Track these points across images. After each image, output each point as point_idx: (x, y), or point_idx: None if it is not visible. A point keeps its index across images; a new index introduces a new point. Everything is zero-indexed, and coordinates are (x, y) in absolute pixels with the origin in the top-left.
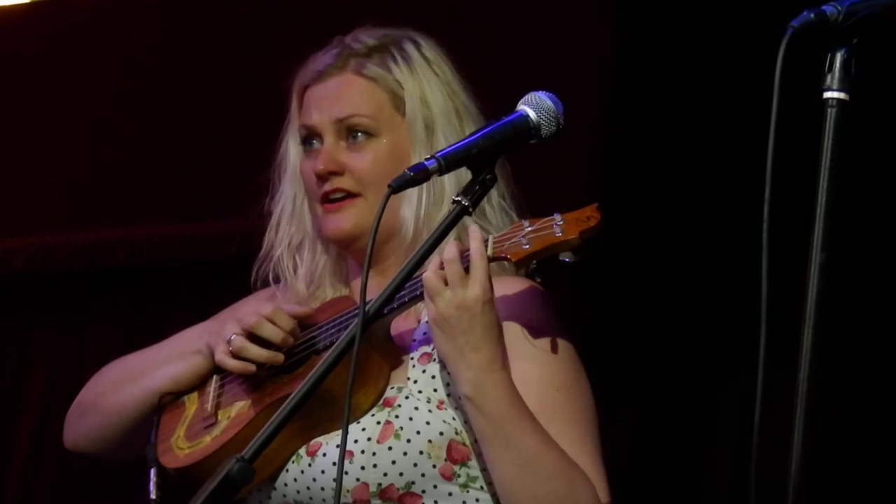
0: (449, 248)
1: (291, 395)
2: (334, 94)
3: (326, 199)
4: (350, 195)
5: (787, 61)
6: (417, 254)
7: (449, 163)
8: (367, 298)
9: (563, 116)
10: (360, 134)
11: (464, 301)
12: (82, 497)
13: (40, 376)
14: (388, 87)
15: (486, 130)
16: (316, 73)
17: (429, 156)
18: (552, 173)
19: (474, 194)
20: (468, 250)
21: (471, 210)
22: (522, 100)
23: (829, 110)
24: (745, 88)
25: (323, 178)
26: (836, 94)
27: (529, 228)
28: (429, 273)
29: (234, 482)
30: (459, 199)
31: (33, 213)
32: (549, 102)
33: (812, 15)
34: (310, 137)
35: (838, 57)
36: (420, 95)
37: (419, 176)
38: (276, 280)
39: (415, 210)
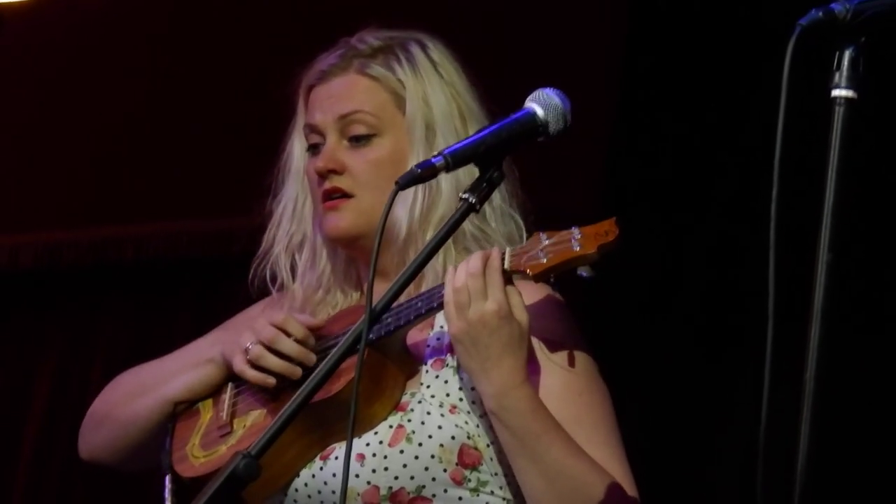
0: (473, 261)
1: (299, 390)
2: (337, 93)
3: (326, 197)
4: (345, 195)
5: (795, 59)
6: (423, 253)
7: (456, 160)
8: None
9: (571, 113)
10: (362, 133)
11: (482, 316)
12: (89, 496)
13: (49, 372)
14: (390, 88)
15: (493, 128)
16: (320, 73)
17: (436, 153)
18: (559, 171)
19: (481, 192)
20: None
21: (477, 207)
22: (530, 97)
23: (836, 108)
24: (755, 86)
25: (323, 175)
26: (843, 93)
27: (547, 242)
28: (448, 288)
29: (240, 479)
30: (466, 196)
31: (41, 209)
32: (557, 99)
33: (820, 13)
34: (314, 137)
35: (846, 55)
36: (422, 96)
37: (426, 173)
38: (273, 279)
39: (409, 209)
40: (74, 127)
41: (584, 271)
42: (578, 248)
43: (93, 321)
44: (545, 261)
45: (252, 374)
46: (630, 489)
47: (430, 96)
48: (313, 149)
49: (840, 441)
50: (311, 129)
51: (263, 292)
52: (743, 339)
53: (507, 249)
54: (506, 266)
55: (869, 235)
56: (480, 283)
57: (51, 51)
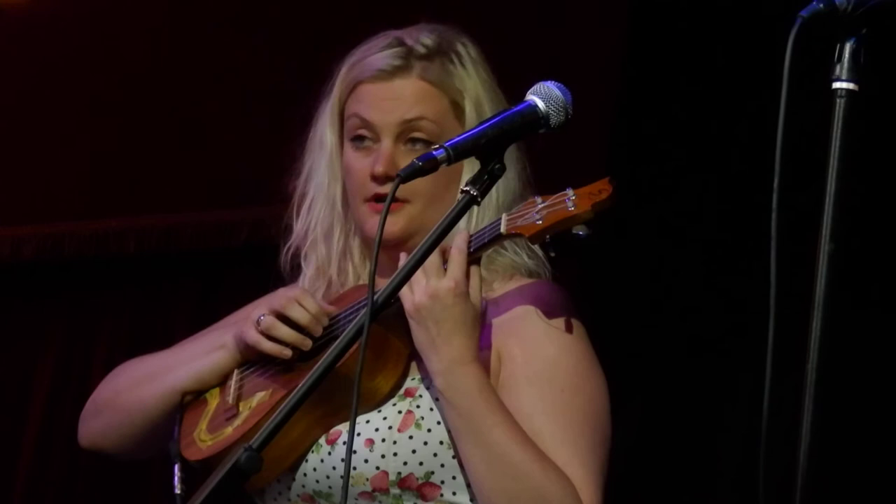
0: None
1: (300, 384)
2: (400, 95)
3: (376, 199)
4: (398, 200)
5: (796, 51)
6: (426, 243)
7: (458, 152)
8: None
9: (572, 106)
10: (422, 140)
11: (436, 291)
12: (90, 490)
13: (49, 364)
14: (450, 95)
15: (494, 120)
16: (378, 72)
17: (437, 145)
18: (559, 170)
19: (483, 184)
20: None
21: (479, 200)
22: (531, 89)
23: (837, 100)
24: (755, 85)
25: (379, 180)
26: (844, 85)
27: (542, 204)
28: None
29: (242, 471)
30: (468, 188)
31: (42, 201)
32: (558, 92)
33: (821, 5)
34: (363, 133)
35: (847, 47)
36: (476, 103)
37: (428, 165)
38: (298, 267)
39: (472, 223)
40: (76, 118)
41: (579, 230)
42: (573, 208)
43: (94, 313)
44: (541, 222)
45: (268, 346)
46: (587, 496)
47: (483, 101)
48: (359, 146)
49: (842, 433)
50: (364, 124)
51: (294, 278)
52: (743, 339)
53: (504, 214)
54: (502, 230)
55: (870, 227)
56: (438, 259)
57: (48, 43)
